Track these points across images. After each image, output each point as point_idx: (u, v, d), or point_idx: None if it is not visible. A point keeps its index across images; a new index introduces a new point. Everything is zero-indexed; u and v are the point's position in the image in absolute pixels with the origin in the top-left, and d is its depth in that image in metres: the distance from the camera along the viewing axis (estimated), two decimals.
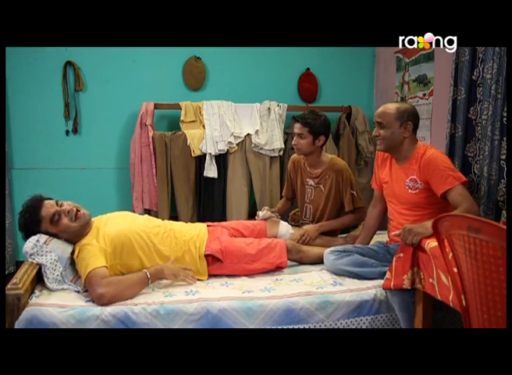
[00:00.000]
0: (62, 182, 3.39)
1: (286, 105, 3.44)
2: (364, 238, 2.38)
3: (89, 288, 1.86)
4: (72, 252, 2.02)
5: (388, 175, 2.21)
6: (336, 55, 3.68)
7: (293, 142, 2.63)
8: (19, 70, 3.26)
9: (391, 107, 2.09)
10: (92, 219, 2.14)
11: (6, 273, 3.18)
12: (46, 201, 2.03)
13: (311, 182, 2.64)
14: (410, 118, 2.07)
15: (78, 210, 2.04)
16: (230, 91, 3.53)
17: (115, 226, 2.10)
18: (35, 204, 2.01)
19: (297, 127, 2.55)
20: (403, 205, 2.13)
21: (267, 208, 2.62)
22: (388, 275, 1.89)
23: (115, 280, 1.88)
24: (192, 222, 2.85)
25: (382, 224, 2.44)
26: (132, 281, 1.90)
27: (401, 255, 1.84)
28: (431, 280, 1.70)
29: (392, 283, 1.85)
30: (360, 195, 2.61)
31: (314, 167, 2.62)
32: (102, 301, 1.79)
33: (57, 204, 2.03)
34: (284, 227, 2.51)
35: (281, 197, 3.39)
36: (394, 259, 1.87)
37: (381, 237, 2.46)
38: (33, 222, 1.99)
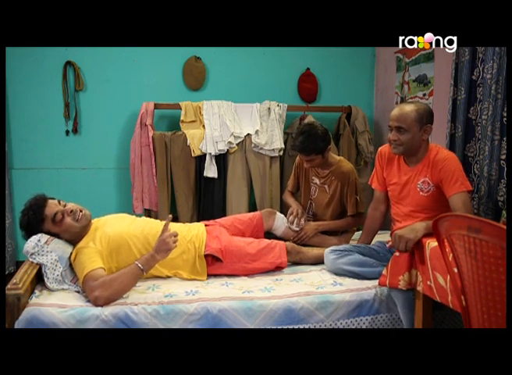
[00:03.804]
0: (62, 182, 3.39)
1: (286, 105, 3.43)
2: (365, 240, 2.36)
3: (86, 291, 1.85)
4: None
5: (396, 176, 2.14)
6: (335, 55, 3.68)
7: (305, 165, 2.58)
8: (19, 70, 3.26)
9: (409, 109, 1.97)
10: (91, 221, 2.14)
11: (6, 273, 3.18)
12: (50, 201, 2.04)
13: (316, 180, 2.64)
14: (429, 119, 2.00)
15: (81, 210, 2.05)
16: (230, 91, 3.52)
17: (113, 228, 2.09)
18: (39, 203, 2.01)
19: (304, 156, 2.50)
20: (413, 206, 2.07)
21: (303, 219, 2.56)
22: (384, 272, 1.90)
23: (107, 279, 1.85)
24: (192, 222, 2.85)
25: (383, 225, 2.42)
26: (125, 277, 1.86)
27: (397, 254, 1.84)
28: (428, 282, 1.71)
29: (387, 282, 1.86)
30: (362, 198, 2.60)
31: (321, 167, 2.61)
32: (99, 303, 1.78)
33: (60, 204, 2.05)
34: (280, 219, 2.53)
35: (281, 197, 3.40)
36: (392, 257, 1.88)
37: (381, 237, 2.46)
38: (36, 220, 1.99)
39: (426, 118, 1.99)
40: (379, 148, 2.27)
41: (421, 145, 2.02)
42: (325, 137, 2.49)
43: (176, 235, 1.94)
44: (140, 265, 1.88)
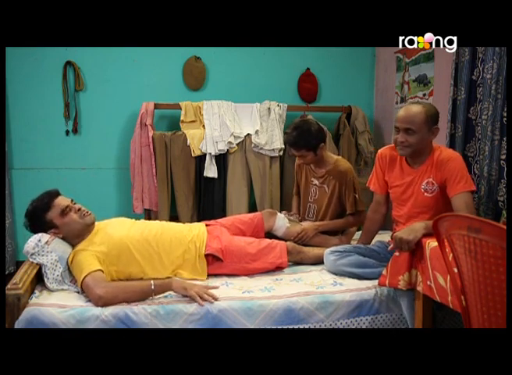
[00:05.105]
0: (62, 182, 3.38)
1: (286, 105, 3.43)
2: (365, 241, 2.36)
3: (87, 290, 1.85)
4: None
5: (399, 178, 2.11)
6: (335, 55, 3.68)
7: (297, 161, 2.65)
8: (19, 70, 3.26)
9: (417, 110, 1.93)
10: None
11: (6, 273, 3.18)
12: (62, 196, 2.10)
13: (315, 181, 2.64)
14: (436, 121, 1.96)
15: (87, 212, 2.09)
16: (230, 91, 3.52)
17: (114, 231, 2.10)
18: (52, 194, 2.08)
19: (294, 151, 2.54)
20: (416, 208, 2.05)
21: (285, 214, 2.65)
22: (384, 272, 1.90)
23: (115, 284, 1.89)
24: (192, 222, 2.85)
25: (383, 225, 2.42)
26: (133, 289, 1.86)
27: (397, 254, 1.84)
28: (428, 282, 1.70)
29: (387, 282, 1.86)
30: (362, 197, 2.60)
31: (319, 167, 2.62)
32: (99, 303, 1.78)
33: (71, 201, 2.10)
34: (281, 220, 2.53)
35: (281, 197, 3.40)
36: (391, 257, 1.88)
37: (381, 237, 2.46)
38: (43, 207, 2.02)
39: (433, 119, 1.96)
40: (379, 151, 2.24)
41: (427, 147, 2.00)
42: (318, 135, 2.49)
43: (211, 296, 1.86)
44: (153, 285, 1.86)
